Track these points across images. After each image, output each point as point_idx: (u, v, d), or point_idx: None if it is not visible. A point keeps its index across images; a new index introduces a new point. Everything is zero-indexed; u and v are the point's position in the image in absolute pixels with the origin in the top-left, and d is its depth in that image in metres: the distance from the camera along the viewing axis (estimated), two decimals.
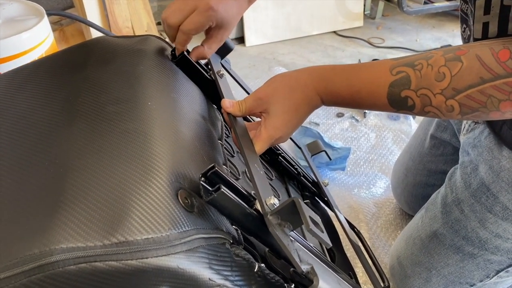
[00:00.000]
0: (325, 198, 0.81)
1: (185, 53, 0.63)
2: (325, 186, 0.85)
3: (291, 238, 0.40)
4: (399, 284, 0.88)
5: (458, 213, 0.74)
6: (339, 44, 2.08)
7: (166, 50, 0.65)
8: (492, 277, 0.74)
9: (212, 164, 0.40)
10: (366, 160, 1.29)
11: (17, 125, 0.50)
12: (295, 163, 0.83)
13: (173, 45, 0.68)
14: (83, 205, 0.37)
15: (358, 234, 0.84)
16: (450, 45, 2.01)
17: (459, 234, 0.74)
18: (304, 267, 0.38)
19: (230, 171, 0.61)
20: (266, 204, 0.40)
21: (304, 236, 0.70)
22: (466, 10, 0.63)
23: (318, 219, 0.39)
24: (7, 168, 0.43)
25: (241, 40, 2.01)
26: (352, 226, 0.85)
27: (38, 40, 1.02)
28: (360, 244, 0.81)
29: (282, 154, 0.78)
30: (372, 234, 1.05)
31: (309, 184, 0.85)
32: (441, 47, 2.07)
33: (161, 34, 1.95)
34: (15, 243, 0.35)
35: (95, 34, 1.63)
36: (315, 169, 0.87)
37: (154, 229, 0.36)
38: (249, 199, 0.42)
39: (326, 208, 0.87)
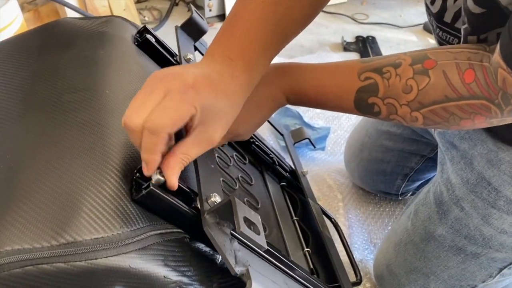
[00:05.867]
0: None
1: (149, 35, 0.61)
2: (304, 175, 0.84)
3: (231, 237, 0.39)
4: None
5: (458, 211, 0.70)
6: (323, 21, 2.05)
7: (130, 31, 0.63)
8: (495, 276, 0.71)
9: None
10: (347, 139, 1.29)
11: None
12: (271, 151, 0.81)
13: (138, 27, 0.66)
14: (32, 204, 0.36)
15: (335, 225, 0.84)
16: None
17: (461, 234, 0.70)
18: (239, 269, 0.36)
19: (223, 180, 0.60)
20: (207, 202, 0.39)
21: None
22: (432, 23, 0.62)
23: (257, 219, 0.38)
24: None
25: (222, 17, 1.97)
26: (328, 217, 0.85)
27: (5, 23, 0.98)
28: (337, 235, 0.81)
29: (256, 143, 0.76)
30: (350, 213, 1.06)
31: (285, 174, 0.84)
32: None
33: (140, 13, 1.90)
34: None
35: (70, 14, 1.58)
36: (295, 157, 0.85)
37: (105, 228, 0.35)
38: (189, 196, 0.40)
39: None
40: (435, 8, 0.58)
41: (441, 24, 0.59)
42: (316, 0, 0.51)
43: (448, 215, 0.72)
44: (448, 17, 0.57)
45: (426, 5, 0.62)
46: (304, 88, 0.54)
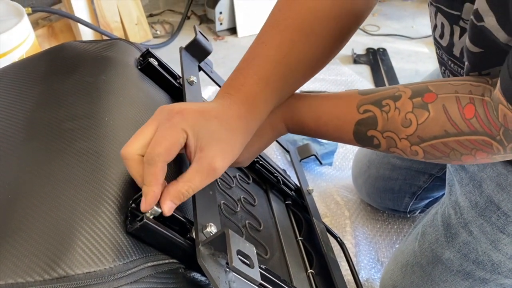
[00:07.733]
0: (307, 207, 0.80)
1: (151, 59, 0.61)
2: (310, 193, 0.83)
3: (226, 268, 0.39)
4: None
5: (466, 235, 0.68)
6: None
7: (133, 55, 0.63)
8: None
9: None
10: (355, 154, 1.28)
11: None
12: (276, 170, 0.81)
13: (143, 49, 0.66)
14: (26, 236, 0.36)
15: (341, 244, 0.83)
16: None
17: (469, 258, 0.68)
18: None
19: (224, 203, 0.60)
20: (203, 232, 0.39)
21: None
22: (442, 55, 0.61)
23: (251, 251, 0.38)
24: None
25: (233, 31, 1.98)
26: (334, 236, 0.84)
27: (17, 42, 1.00)
28: (342, 254, 0.80)
29: (260, 162, 0.76)
30: (357, 230, 1.04)
31: (290, 193, 0.84)
32: None
33: (152, 27, 1.92)
34: None
35: (83, 30, 1.61)
36: (300, 175, 0.85)
37: (97, 262, 0.35)
38: (185, 226, 0.40)
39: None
40: (444, 42, 0.58)
41: (452, 57, 0.58)
42: (330, 47, 0.53)
43: (456, 238, 0.70)
44: (456, 51, 0.57)
45: (435, 38, 0.61)
46: (304, 119, 0.55)
